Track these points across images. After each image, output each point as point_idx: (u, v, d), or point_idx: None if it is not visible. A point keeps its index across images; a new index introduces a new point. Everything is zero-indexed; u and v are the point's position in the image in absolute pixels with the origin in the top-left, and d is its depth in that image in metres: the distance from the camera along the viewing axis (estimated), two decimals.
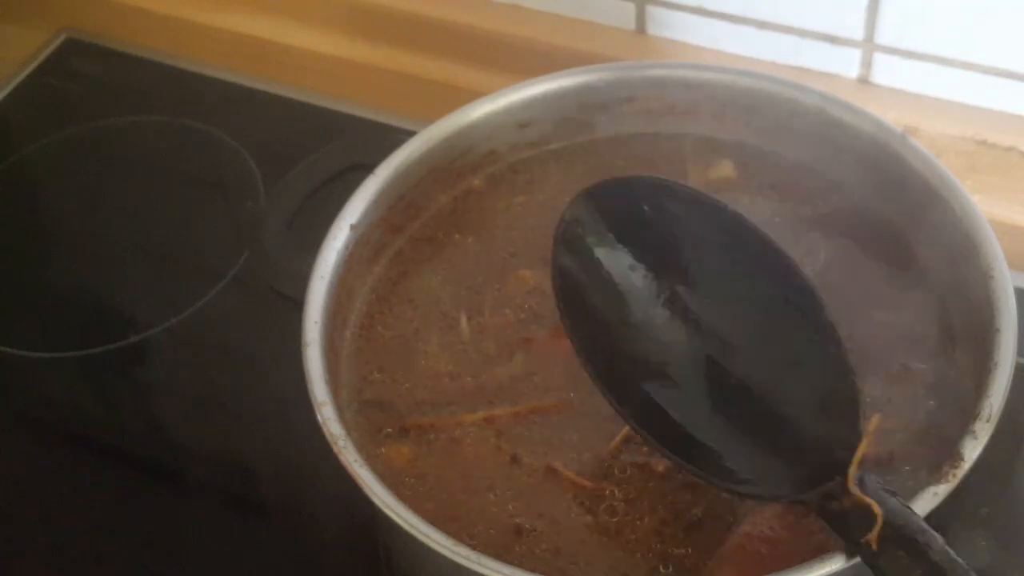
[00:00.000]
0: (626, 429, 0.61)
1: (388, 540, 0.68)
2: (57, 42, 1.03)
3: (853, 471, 0.54)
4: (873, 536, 0.52)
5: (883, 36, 0.82)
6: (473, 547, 0.54)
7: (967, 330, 0.62)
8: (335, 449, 0.57)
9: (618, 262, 0.61)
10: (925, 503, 0.54)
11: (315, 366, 0.60)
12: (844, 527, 0.53)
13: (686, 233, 0.61)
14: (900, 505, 0.53)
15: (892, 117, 0.69)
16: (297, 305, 0.63)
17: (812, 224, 0.69)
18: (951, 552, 0.51)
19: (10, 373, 0.82)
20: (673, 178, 0.63)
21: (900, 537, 0.52)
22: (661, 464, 0.60)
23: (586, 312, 0.61)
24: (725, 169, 0.72)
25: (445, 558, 0.54)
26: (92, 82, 1.00)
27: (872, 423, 0.56)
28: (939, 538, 0.51)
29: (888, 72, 0.83)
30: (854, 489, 0.53)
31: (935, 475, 0.55)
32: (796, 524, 0.58)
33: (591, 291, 0.61)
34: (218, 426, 0.78)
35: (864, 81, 0.85)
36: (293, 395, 0.60)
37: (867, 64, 0.84)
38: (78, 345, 0.82)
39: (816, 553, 0.53)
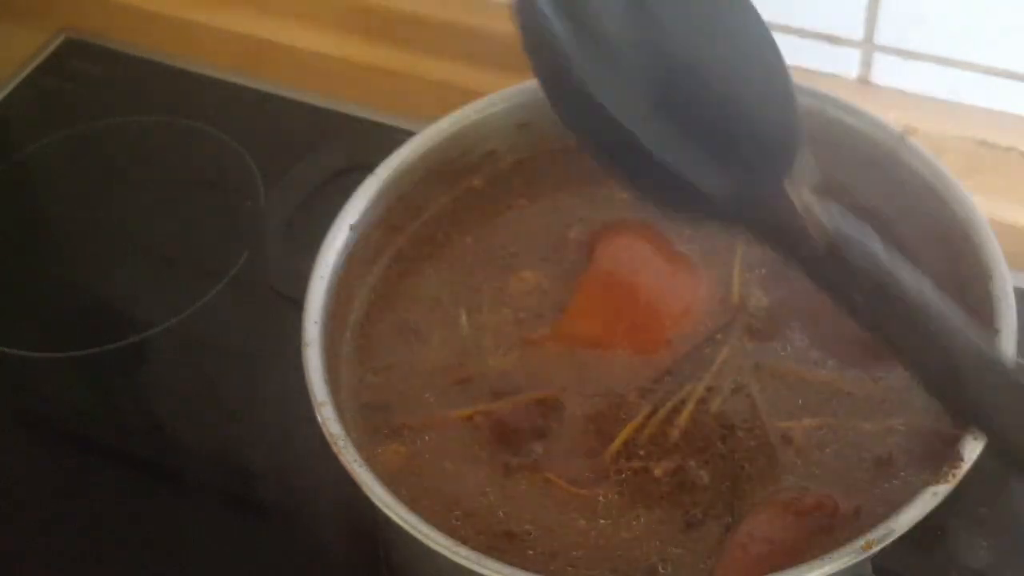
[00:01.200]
0: (625, 431, 0.61)
1: (388, 540, 0.68)
2: (57, 42, 1.03)
3: (791, 179, 0.52)
4: (816, 245, 0.51)
5: (883, 36, 0.82)
6: (472, 547, 0.54)
7: None
8: (335, 449, 0.57)
9: None
10: (925, 503, 0.53)
11: (315, 366, 0.60)
12: (785, 240, 0.52)
13: None
14: (840, 214, 0.51)
15: (892, 117, 0.69)
16: (297, 305, 0.63)
17: None
18: (894, 261, 0.50)
19: (10, 373, 0.82)
20: None
21: (841, 246, 0.51)
22: (659, 467, 0.60)
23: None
24: None
25: (445, 558, 0.53)
26: (92, 82, 1.00)
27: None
28: (879, 250, 0.51)
29: (888, 72, 0.83)
30: (793, 196, 0.51)
31: (935, 475, 0.54)
32: (796, 524, 0.58)
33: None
34: (218, 426, 0.78)
35: (864, 81, 0.85)
36: (293, 395, 0.60)
37: (867, 64, 0.84)
38: (78, 345, 0.82)
39: (816, 553, 0.53)
